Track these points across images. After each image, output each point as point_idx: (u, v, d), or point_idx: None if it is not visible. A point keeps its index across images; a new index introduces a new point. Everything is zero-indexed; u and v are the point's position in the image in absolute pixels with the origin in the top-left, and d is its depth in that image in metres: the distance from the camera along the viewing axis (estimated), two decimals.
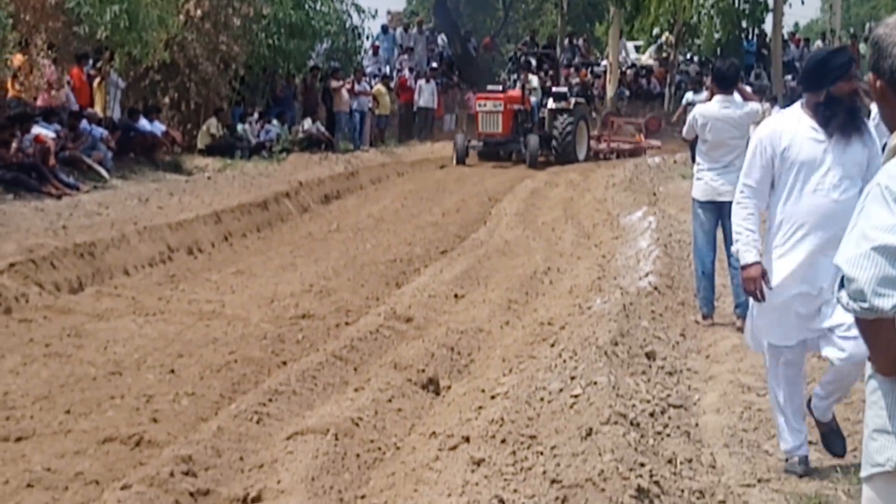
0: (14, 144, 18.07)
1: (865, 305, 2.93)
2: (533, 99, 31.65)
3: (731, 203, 10.25)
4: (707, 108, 10.56)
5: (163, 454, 6.74)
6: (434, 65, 40.83)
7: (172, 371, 8.95)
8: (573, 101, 32.33)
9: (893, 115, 3.38)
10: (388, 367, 8.81)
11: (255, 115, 28.54)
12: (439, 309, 11.60)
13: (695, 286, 11.00)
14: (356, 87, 33.31)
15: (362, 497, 6.24)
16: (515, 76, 33.80)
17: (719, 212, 10.37)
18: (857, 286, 2.96)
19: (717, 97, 10.51)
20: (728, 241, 10.49)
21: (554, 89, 32.54)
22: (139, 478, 6.16)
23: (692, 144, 26.77)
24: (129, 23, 21.52)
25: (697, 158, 10.83)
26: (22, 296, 11.25)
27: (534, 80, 32.59)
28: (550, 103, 31.61)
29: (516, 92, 31.65)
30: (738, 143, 10.31)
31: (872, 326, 3.01)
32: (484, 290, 12.65)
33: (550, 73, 42.53)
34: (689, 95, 28.07)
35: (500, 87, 33.09)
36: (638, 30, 40.13)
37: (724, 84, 10.54)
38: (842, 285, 3.26)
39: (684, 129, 11.25)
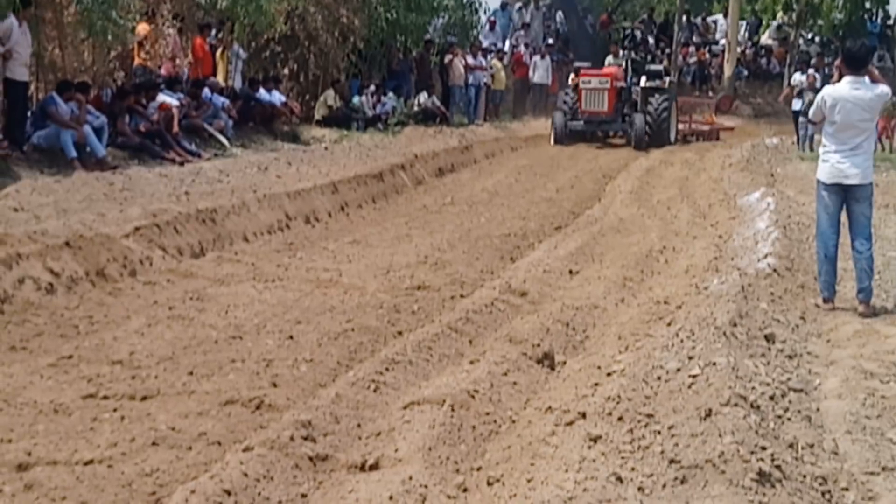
0: (142, 126, 18.49)
1: None
2: None
3: (857, 186, 10.08)
4: (836, 90, 10.17)
5: (283, 418, 6.80)
6: (550, 41, 40.83)
7: (291, 337, 9.07)
8: (667, 80, 31.51)
9: None
10: (503, 340, 8.80)
11: (372, 88, 28.74)
12: (554, 284, 11.57)
13: (816, 269, 10.70)
14: (472, 61, 33.36)
15: (479, 469, 6.22)
16: (623, 52, 33.07)
17: (845, 195, 10.14)
18: None
19: (847, 78, 10.13)
20: (852, 225, 10.30)
21: (649, 67, 31.88)
22: (260, 440, 6.22)
23: (797, 126, 26.21)
24: None
25: (824, 140, 10.42)
26: (147, 258, 11.47)
27: (623, 56, 32.29)
28: (643, 81, 30.61)
29: (614, 69, 30.84)
30: (867, 125, 10.07)
31: None
32: (598, 266, 12.60)
33: (667, 51, 42.30)
34: (796, 77, 27.76)
35: (589, 65, 32.29)
36: (760, 10, 39.49)
37: (855, 65, 10.17)
38: None
39: (811, 111, 10.80)
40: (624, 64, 31.33)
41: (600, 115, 29.79)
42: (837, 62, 11.00)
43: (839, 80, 10.41)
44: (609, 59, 32.18)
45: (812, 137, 24.77)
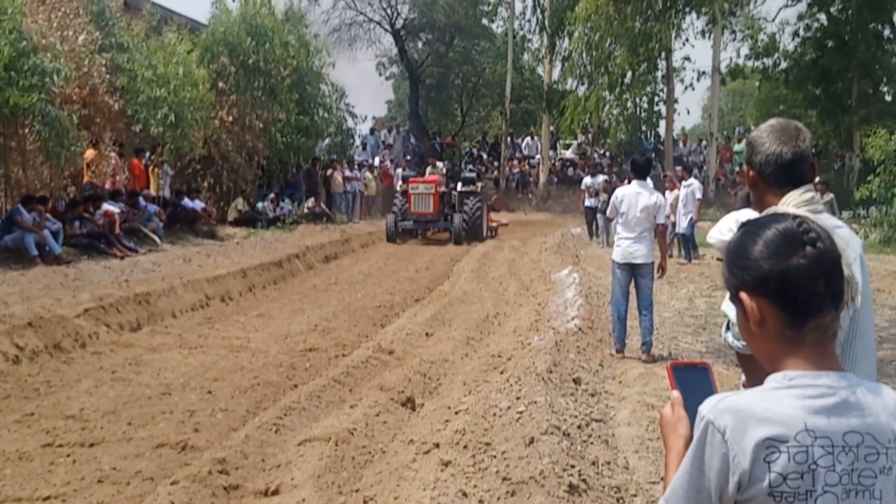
0: (90, 228, 18.08)
1: (744, 343, 2.88)
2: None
3: (642, 265, 10.26)
4: (626, 190, 10.53)
5: (203, 457, 6.70)
6: (408, 157, 41.06)
7: (210, 392, 8.90)
8: (479, 185, 29.36)
9: (761, 199, 3.45)
10: (375, 388, 8.75)
11: (272, 195, 28.66)
12: (414, 344, 11.51)
13: (611, 328, 10.84)
14: (349, 174, 33.58)
15: (356, 490, 6.16)
16: (440, 163, 30.40)
17: (632, 271, 10.40)
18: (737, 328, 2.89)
19: (634, 182, 10.51)
20: (639, 294, 10.47)
21: (463, 174, 29.66)
22: (185, 475, 6.13)
23: (588, 221, 25.63)
24: (175, 121, 21.79)
25: (617, 229, 10.66)
26: (94, 333, 11.19)
27: (441, 166, 29.88)
28: (459, 186, 28.47)
29: (437, 177, 28.31)
30: (649, 218, 10.33)
31: (750, 360, 2.94)
32: (448, 329, 12.58)
33: (496, 163, 42.76)
34: (587, 180, 27.59)
35: (415, 174, 30.10)
36: (563, 131, 40.20)
37: (641, 173, 10.59)
38: (728, 328, 3.28)
39: (608, 210, 11.08)
40: (443, 172, 29.26)
41: (427, 216, 27.61)
42: (629, 170, 11.35)
43: (629, 183, 10.76)
44: (429, 169, 29.83)
45: (608, 231, 24.13)
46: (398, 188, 29.48)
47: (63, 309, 11.45)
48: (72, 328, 10.94)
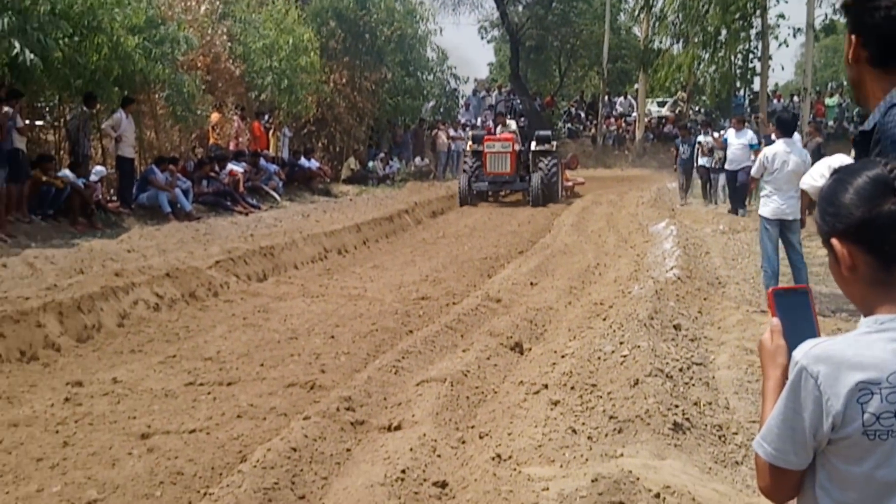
0: (216, 187, 18.48)
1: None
2: None
3: (792, 221, 9.83)
4: (777, 149, 10.06)
5: (330, 395, 6.83)
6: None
7: (333, 337, 9.07)
8: (554, 143, 26.73)
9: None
10: (485, 334, 8.77)
11: (382, 155, 28.93)
12: (520, 293, 11.52)
13: (763, 283, 10.28)
14: (453, 133, 33.58)
15: (472, 427, 6.24)
16: (510, 121, 27.82)
17: (781, 227, 10.02)
18: None
19: (781, 141, 10.08)
20: (790, 250, 10.05)
21: (538, 133, 26.92)
22: (315, 412, 6.26)
23: (683, 177, 24.13)
24: (288, 86, 22.15)
25: (767, 188, 10.12)
26: (225, 283, 11.48)
27: (511, 125, 27.20)
28: (534, 146, 25.81)
29: (510, 135, 25.56)
30: (798, 175, 9.75)
31: None
32: (551, 279, 12.55)
33: (594, 122, 42.25)
34: (701, 137, 26.28)
35: (485, 133, 27.65)
36: (658, 89, 39.39)
37: (787, 130, 10.17)
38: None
39: (754, 169, 10.59)
40: (515, 131, 26.54)
41: (504, 176, 24.97)
42: (774, 128, 10.80)
43: (775, 141, 10.35)
44: (499, 128, 27.06)
45: (718, 191, 22.77)
46: (468, 148, 26.45)
47: (196, 261, 11.75)
48: (205, 278, 11.24)
